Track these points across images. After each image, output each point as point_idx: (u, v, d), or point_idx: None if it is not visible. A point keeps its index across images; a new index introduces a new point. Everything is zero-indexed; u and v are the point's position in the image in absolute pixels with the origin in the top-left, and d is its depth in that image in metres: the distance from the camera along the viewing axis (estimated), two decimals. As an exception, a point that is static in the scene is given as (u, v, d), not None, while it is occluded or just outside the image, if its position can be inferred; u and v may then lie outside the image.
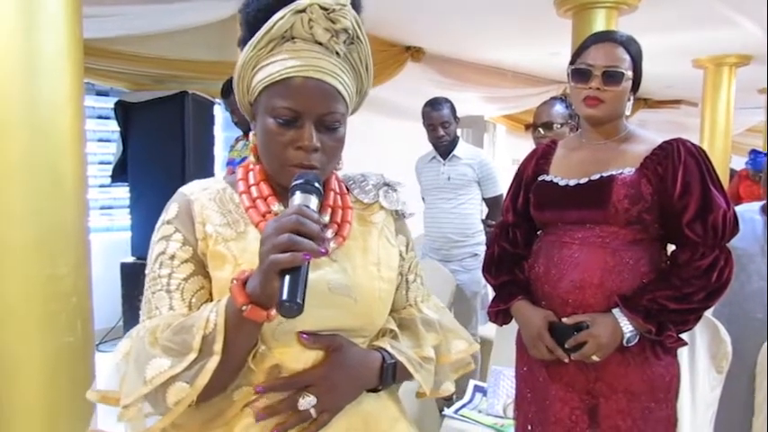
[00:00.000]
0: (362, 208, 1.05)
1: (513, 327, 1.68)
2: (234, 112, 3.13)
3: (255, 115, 0.95)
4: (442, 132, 3.33)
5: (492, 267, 1.72)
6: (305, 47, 0.89)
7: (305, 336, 0.90)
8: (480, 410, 2.16)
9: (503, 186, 3.47)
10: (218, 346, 0.81)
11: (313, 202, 0.83)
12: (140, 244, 4.33)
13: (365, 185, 1.06)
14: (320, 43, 0.90)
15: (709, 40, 5.85)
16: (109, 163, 4.69)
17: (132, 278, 4.22)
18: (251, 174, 0.99)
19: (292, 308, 0.73)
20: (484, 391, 2.23)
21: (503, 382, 2.12)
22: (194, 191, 0.98)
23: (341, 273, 0.94)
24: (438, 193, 3.43)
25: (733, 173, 6.20)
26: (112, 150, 4.70)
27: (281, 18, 0.87)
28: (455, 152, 3.38)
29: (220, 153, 4.78)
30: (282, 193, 0.93)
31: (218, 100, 4.66)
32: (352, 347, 0.94)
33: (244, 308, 0.79)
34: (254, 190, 0.97)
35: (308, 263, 0.76)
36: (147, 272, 0.95)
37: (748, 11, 4.73)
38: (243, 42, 0.93)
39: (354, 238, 0.99)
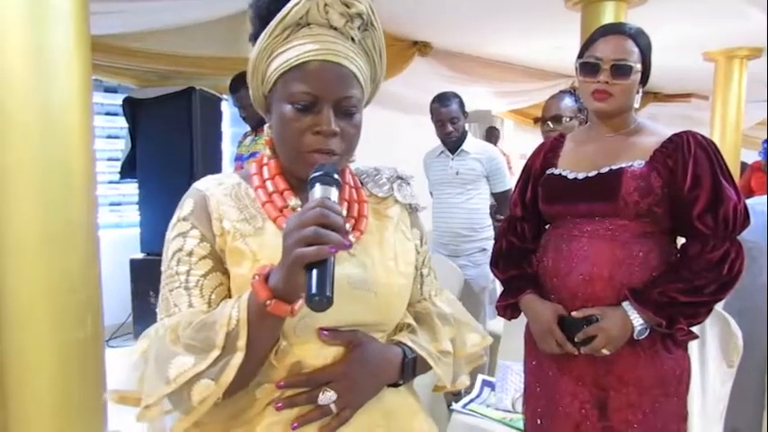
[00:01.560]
0: (377, 202, 1.04)
1: (520, 321, 1.67)
2: (242, 108, 3.13)
3: (270, 106, 0.94)
4: (450, 128, 3.32)
5: (500, 261, 1.72)
6: (320, 32, 0.89)
7: (325, 332, 0.89)
8: (489, 405, 2.16)
9: (511, 181, 3.46)
10: (241, 342, 0.80)
11: (333, 193, 0.81)
12: (149, 240, 4.36)
13: (379, 179, 1.06)
14: (335, 28, 0.89)
15: (720, 32, 5.79)
16: (117, 159, 4.72)
17: (142, 274, 4.25)
18: (265, 168, 0.98)
19: (322, 301, 0.73)
20: (492, 386, 2.22)
21: (511, 377, 2.11)
22: (209, 186, 0.96)
23: (360, 267, 0.93)
24: (446, 187, 3.42)
25: (744, 167, 6.14)
26: (121, 147, 4.73)
27: (297, 4, 0.87)
28: (464, 147, 3.37)
29: (228, 149, 4.80)
30: (299, 187, 0.93)
31: (225, 96, 4.67)
32: (372, 343, 0.94)
33: (267, 303, 0.78)
34: (269, 184, 0.96)
35: (334, 256, 0.75)
36: (162, 269, 0.93)
37: (759, 2, 4.67)
38: (254, 38, 0.92)
39: (371, 232, 0.99)
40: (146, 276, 4.24)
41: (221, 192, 0.95)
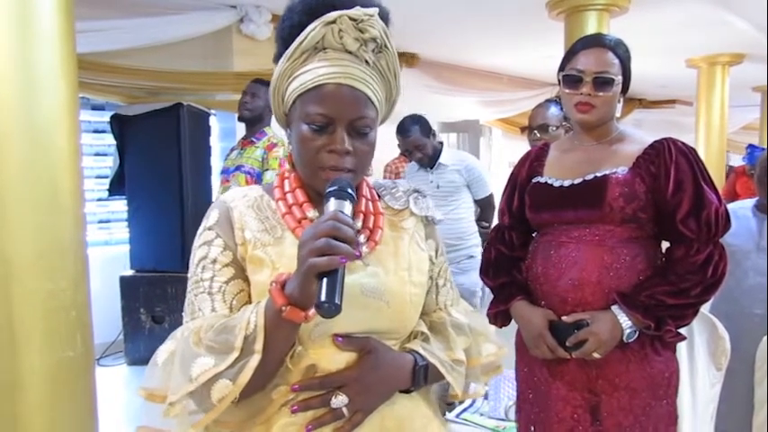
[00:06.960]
0: (393, 214, 1.08)
1: (511, 329, 1.68)
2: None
3: (290, 124, 1.00)
4: (419, 155, 3.43)
5: (489, 270, 1.73)
6: (336, 56, 0.94)
7: (339, 338, 0.93)
8: (482, 414, 2.16)
9: (492, 186, 3.50)
10: (258, 346, 0.84)
11: (347, 207, 0.86)
12: (139, 256, 4.32)
13: (395, 192, 1.10)
14: (350, 52, 0.94)
15: (702, 39, 5.88)
16: (106, 177, 4.69)
17: (132, 291, 4.21)
18: (286, 182, 1.03)
19: (330, 308, 0.77)
20: (485, 394, 2.23)
21: (503, 385, 2.12)
22: (234, 198, 1.02)
23: (373, 277, 0.97)
24: None
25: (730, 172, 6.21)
26: (109, 164, 4.70)
27: (313, 30, 0.92)
28: (441, 160, 3.43)
29: (217, 163, 4.78)
30: (317, 200, 0.98)
31: (213, 111, 4.67)
32: (384, 350, 0.97)
33: (283, 309, 0.82)
34: (289, 197, 1.01)
35: (344, 266, 0.80)
36: (189, 275, 0.99)
37: (739, 10, 4.76)
38: (277, 57, 0.99)
39: (386, 243, 1.03)
40: (136, 293, 4.20)
41: (244, 203, 1.01)
